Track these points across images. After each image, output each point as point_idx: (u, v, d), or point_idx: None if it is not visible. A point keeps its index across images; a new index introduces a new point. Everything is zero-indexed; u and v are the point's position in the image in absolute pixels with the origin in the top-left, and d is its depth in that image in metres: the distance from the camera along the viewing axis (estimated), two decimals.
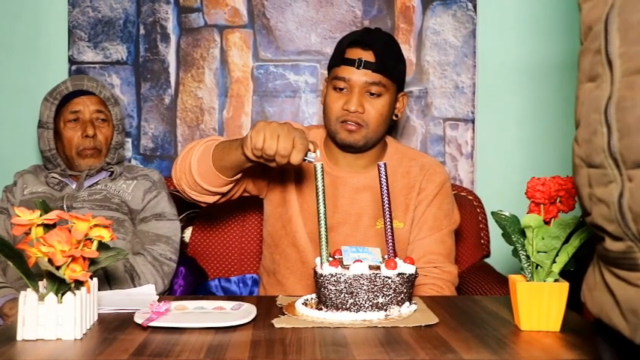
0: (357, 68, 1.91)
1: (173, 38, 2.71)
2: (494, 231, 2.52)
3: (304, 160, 1.65)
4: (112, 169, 2.25)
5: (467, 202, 2.52)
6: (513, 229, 1.44)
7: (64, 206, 2.11)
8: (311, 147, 1.66)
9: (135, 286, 1.99)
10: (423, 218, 1.99)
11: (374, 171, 1.89)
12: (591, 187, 0.89)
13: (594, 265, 0.97)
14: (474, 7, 2.70)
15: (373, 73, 1.91)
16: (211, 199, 1.89)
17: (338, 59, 1.96)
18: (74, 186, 2.21)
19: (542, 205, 1.39)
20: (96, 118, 2.22)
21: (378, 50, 1.92)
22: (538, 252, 1.37)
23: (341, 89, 1.94)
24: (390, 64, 1.95)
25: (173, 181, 1.91)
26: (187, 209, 2.46)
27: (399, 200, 1.99)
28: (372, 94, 1.93)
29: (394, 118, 2.03)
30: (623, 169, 0.82)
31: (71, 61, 2.69)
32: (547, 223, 1.37)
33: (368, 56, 1.91)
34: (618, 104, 0.82)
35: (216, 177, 1.80)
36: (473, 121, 2.72)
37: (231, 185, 1.86)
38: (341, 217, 1.98)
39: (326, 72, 2.07)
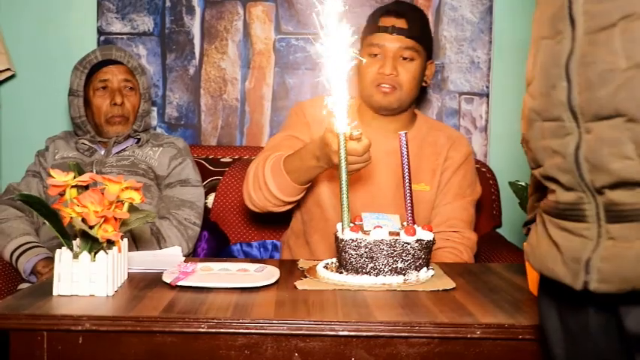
0: (391, 34, 2.00)
1: (198, 11, 2.74)
2: (506, 202, 2.56)
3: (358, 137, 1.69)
4: (139, 137, 2.31)
5: (480, 174, 2.55)
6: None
7: (94, 171, 2.17)
8: (355, 132, 1.68)
9: (161, 249, 2.05)
10: (449, 185, 2.07)
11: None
12: (545, 139, 0.92)
13: (537, 226, 1.01)
14: None
15: (406, 38, 2.01)
16: (291, 206, 2.01)
17: (372, 28, 2.05)
18: (103, 152, 2.27)
19: None
20: (124, 87, 2.28)
21: (409, 18, 2.02)
22: None
23: (375, 55, 2.02)
24: (421, 31, 2.05)
25: (251, 208, 2.02)
26: (210, 176, 2.52)
27: (426, 166, 2.07)
28: (404, 58, 2.02)
29: (424, 84, 2.11)
30: (581, 121, 0.85)
31: (100, 31, 2.74)
32: None
33: (401, 23, 2.01)
34: (580, 60, 0.85)
35: (296, 189, 1.91)
36: (487, 96, 2.76)
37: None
38: (375, 178, 2.05)
39: None
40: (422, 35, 2.04)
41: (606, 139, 0.82)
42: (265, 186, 1.91)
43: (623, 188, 0.82)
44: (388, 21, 2.02)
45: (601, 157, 0.83)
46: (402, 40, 2.00)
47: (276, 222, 2.47)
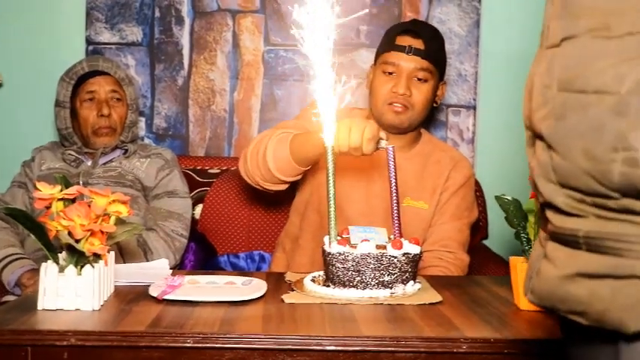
0: (407, 54, 2.01)
1: (187, 21, 2.74)
2: (492, 214, 2.58)
3: (377, 148, 1.71)
4: (126, 147, 2.30)
5: None
6: (516, 213, 1.49)
7: (80, 182, 2.16)
8: (382, 135, 1.72)
9: (147, 261, 2.05)
10: (447, 205, 2.08)
11: (407, 153, 2.06)
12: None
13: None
14: None
15: (422, 59, 2.02)
16: (284, 187, 1.98)
17: (388, 46, 2.06)
18: (89, 163, 2.26)
19: None
20: (111, 98, 2.27)
21: (426, 39, 2.04)
22: None
23: (390, 73, 2.04)
24: (437, 53, 2.06)
25: (241, 174, 1.99)
26: (198, 188, 2.52)
27: (428, 184, 2.08)
28: (419, 79, 2.03)
29: (434, 105, 2.13)
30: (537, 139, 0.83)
31: (88, 41, 2.73)
32: None
33: (417, 44, 2.02)
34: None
35: (294, 168, 1.89)
36: (474, 108, 2.78)
37: (303, 173, 1.95)
38: (373, 190, 2.06)
39: None
40: (437, 57, 2.06)
41: (541, 162, 0.81)
42: (263, 151, 1.90)
43: (550, 209, 0.82)
44: (405, 40, 2.03)
45: (536, 177, 0.82)
46: (418, 61, 2.01)
47: (263, 233, 2.47)
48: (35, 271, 1.99)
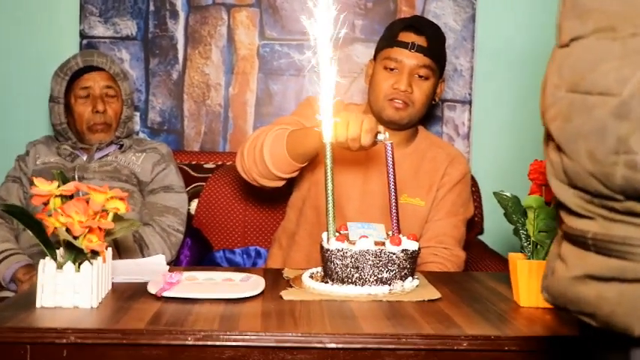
0: (410, 51, 2.01)
1: (182, 15, 2.73)
2: (488, 209, 2.58)
3: (375, 141, 1.71)
4: (121, 142, 2.29)
5: None
6: (514, 209, 1.49)
7: (76, 177, 2.15)
8: (380, 128, 1.72)
9: (144, 256, 2.04)
10: (443, 201, 2.08)
11: (404, 150, 2.06)
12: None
13: None
14: None
15: (424, 56, 2.01)
16: (280, 183, 1.98)
17: (391, 41, 2.05)
18: (85, 157, 2.25)
19: (543, 187, 1.44)
20: (105, 94, 2.26)
21: (429, 36, 2.03)
22: (539, 232, 1.41)
23: (392, 69, 2.03)
24: (439, 50, 2.07)
25: (238, 170, 1.98)
26: (193, 182, 2.51)
27: (424, 181, 2.09)
28: (420, 76, 2.03)
29: (433, 102, 2.12)
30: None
31: (82, 35, 2.71)
32: (548, 204, 1.42)
33: (421, 41, 2.02)
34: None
35: (291, 164, 1.88)
36: (470, 103, 2.78)
37: (300, 169, 1.94)
38: (370, 187, 2.06)
39: None
40: (439, 55, 2.07)
41: (553, 162, 0.82)
42: (260, 147, 1.89)
43: (563, 210, 0.82)
44: (408, 37, 2.03)
45: (549, 177, 0.83)
46: (420, 57, 2.01)
47: (259, 228, 2.46)
48: (30, 267, 1.98)
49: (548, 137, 0.83)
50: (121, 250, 2.02)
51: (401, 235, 1.56)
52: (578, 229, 0.79)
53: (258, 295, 1.44)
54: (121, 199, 1.40)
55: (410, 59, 2.01)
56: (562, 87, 0.78)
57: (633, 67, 0.70)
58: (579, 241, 0.79)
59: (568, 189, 0.79)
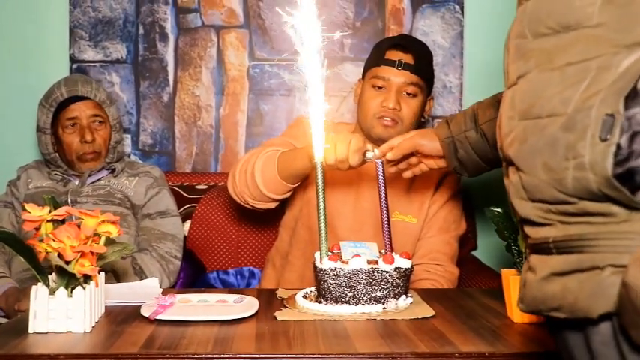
0: (397, 69, 2.02)
1: (171, 38, 2.74)
2: (481, 225, 2.59)
3: (364, 160, 1.72)
4: (113, 167, 2.28)
5: None
6: (506, 225, 1.49)
7: (69, 201, 2.15)
8: (369, 147, 1.73)
9: None
10: (435, 218, 2.09)
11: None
12: None
13: None
14: (462, 9, 2.77)
15: (411, 74, 2.03)
16: (273, 205, 1.99)
17: (378, 60, 2.06)
18: (77, 182, 2.24)
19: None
20: (93, 122, 2.24)
21: (416, 54, 2.05)
22: None
23: (379, 88, 2.04)
24: (426, 68, 2.08)
25: (230, 194, 2.00)
26: (186, 204, 2.51)
27: (416, 198, 2.09)
28: (408, 93, 2.04)
29: (422, 119, 2.14)
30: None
31: (72, 59, 2.72)
32: None
33: (407, 58, 2.03)
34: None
35: (282, 186, 1.90)
36: None
37: (292, 190, 1.95)
38: (362, 205, 2.06)
39: None
40: (427, 72, 2.08)
41: (513, 183, 0.91)
42: (251, 170, 1.90)
43: (526, 225, 0.91)
44: (395, 55, 2.04)
45: (512, 199, 0.92)
46: (407, 75, 2.02)
47: (252, 249, 2.46)
48: (16, 289, 1.96)
49: (508, 164, 0.93)
50: (122, 281, 2.00)
51: (394, 253, 1.56)
52: (541, 237, 0.88)
53: (252, 315, 1.44)
54: (113, 222, 1.40)
55: (397, 77, 2.02)
56: (515, 117, 0.90)
57: (573, 89, 0.81)
58: (543, 247, 0.87)
59: (528, 203, 0.88)
